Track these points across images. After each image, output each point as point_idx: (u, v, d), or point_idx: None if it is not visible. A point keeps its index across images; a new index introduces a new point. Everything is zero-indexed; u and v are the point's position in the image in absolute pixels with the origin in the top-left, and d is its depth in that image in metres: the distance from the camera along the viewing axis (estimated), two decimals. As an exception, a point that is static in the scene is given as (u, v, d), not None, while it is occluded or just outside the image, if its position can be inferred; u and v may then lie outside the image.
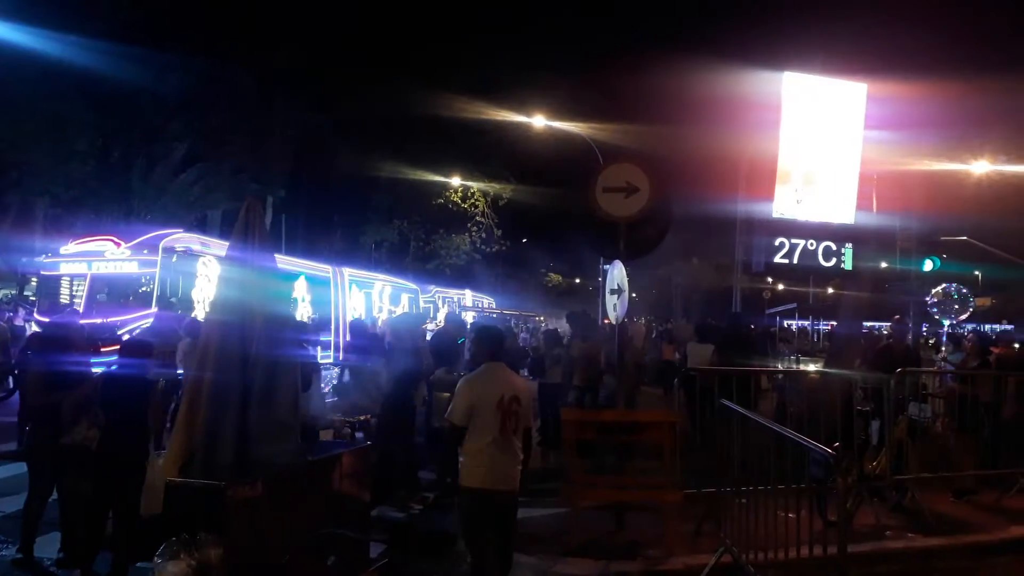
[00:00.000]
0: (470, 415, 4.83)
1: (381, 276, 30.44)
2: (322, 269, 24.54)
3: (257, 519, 4.29)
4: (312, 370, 7.32)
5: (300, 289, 22.58)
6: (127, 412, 5.46)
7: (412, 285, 32.84)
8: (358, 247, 37.25)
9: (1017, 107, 18.12)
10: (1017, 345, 11.89)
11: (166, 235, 17.09)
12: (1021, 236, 30.03)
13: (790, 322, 36.61)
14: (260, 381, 4.41)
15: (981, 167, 23.40)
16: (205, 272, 17.29)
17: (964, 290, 33.73)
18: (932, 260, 22.22)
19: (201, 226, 25.45)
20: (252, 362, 4.40)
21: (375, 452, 7.04)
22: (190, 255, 17.28)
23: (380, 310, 28.02)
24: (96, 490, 5.50)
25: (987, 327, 33.68)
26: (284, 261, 21.78)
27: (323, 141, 30.49)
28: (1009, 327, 31.60)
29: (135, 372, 5.59)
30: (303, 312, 22.51)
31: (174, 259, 16.71)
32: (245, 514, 4.22)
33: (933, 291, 35.43)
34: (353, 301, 25.97)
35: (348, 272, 26.04)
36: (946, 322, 33.82)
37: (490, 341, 5.20)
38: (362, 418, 7.57)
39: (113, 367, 5.96)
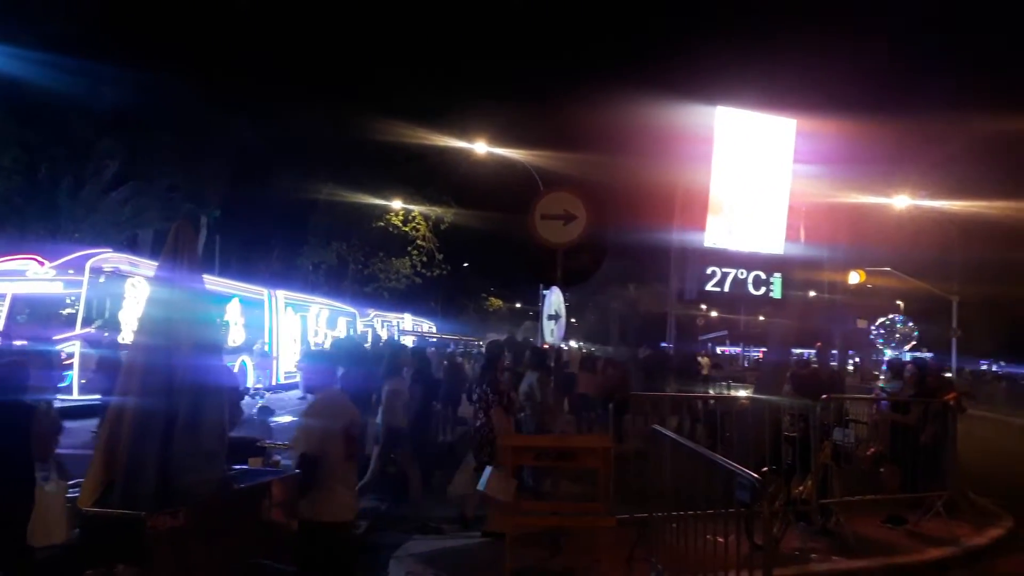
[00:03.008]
0: (322, 444, 4.52)
1: (318, 299, 30.03)
2: (256, 291, 24.09)
3: (180, 550, 4.16)
4: (238, 398, 7.12)
5: (233, 312, 22.09)
6: (4, 441, 4.91)
7: (350, 308, 32.48)
8: (296, 269, 36.61)
9: (935, 145, 19.08)
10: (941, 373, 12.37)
11: (93, 255, 16.52)
12: (939, 268, 31.57)
13: (722, 348, 37.44)
14: (186, 407, 4.28)
15: (902, 201, 24.59)
16: (134, 294, 16.78)
17: (910, 323, 35.15)
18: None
19: (132, 246, 24.62)
20: (178, 387, 4.29)
21: None
22: (119, 276, 16.75)
23: (316, 334, 27.62)
24: None
25: (908, 355, 35.04)
26: (217, 283, 21.32)
27: (261, 161, 29.97)
28: (928, 355, 32.96)
29: (11, 398, 5.10)
30: (236, 336, 22.02)
31: (101, 279, 16.19)
32: (167, 545, 4.08)
33: (879, 320, 36.81)
34: (288, 324, 25.55)
35: (283, 294, 25.62)
36: (888, 351, 35.11)
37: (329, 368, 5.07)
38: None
39: None
